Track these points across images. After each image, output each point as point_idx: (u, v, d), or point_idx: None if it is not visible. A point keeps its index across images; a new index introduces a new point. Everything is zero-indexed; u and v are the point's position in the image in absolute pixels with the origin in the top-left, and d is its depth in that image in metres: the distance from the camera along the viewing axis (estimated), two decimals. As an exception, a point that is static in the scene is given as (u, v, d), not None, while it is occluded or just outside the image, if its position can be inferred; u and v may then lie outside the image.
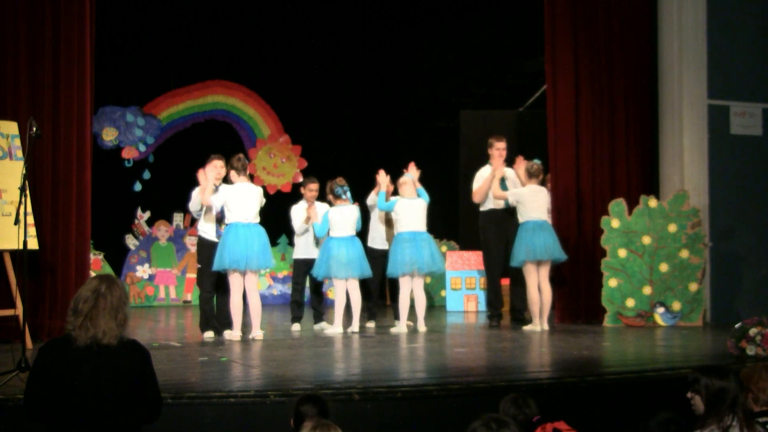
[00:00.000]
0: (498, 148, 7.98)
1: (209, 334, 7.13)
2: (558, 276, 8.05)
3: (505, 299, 8.49)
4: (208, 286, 7.17)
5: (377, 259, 7.88)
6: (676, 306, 7.98)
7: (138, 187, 12.02)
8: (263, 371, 5.25)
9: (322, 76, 12.59)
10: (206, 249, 7.12)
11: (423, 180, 7.79)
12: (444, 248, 11.38)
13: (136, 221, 12.02)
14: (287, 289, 12.43)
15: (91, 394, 3.05)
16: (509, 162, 8.10)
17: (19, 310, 5.80)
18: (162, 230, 12.11)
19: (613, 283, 8.00)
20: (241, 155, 7.08)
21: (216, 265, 6.78)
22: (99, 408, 3.06)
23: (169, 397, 3.94)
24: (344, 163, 11.67)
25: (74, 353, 3.07)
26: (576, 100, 8.46)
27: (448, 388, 4.46)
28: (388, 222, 8.06)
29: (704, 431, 3.30)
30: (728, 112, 8.58)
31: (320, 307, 8.26)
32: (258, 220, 6.96)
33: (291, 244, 12.39)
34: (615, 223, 8.03)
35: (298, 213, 8.00)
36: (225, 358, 5.78)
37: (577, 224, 8.36)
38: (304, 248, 8.05)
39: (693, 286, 8.00)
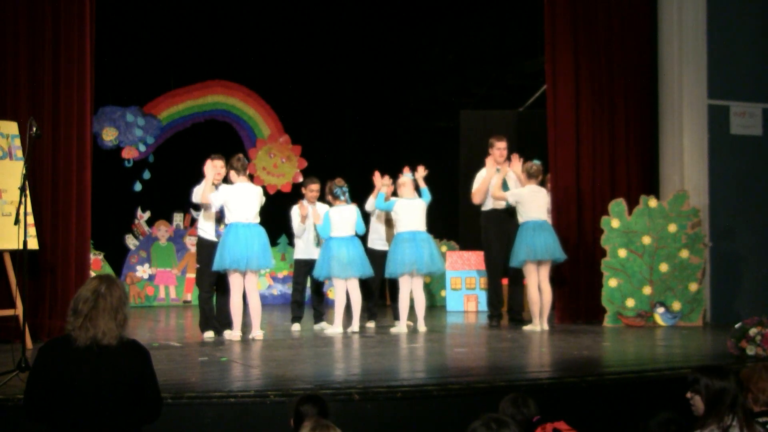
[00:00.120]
0: (498, 148, 7.99)
1: (209, 334, 7.13)
2: (558, 276, 8.05)
3: (504, 299, 8.49)
4: (207, 286, 7.17)
5: (377, 259, 7.88)
6: (676, 306, 7.98)
7: (138, 187, 12.02)
8: (263, 371, 5.25)
9: (322, 76, 12.59)
10: (206, 249, 7.12)
11: (424, 180, 7.78)
12: (444, 248, 11.38)
13: (136, 221, 12.02)
14: (287, 289, 12.43)
15: (91, 394, 3.05)
16: (507, 161, 8.11)
17: (19, 310, 5.81)
18: (162, 230, 12.11)
19: (613, 283, 8.00)
20: (241, 155, 7.08)
21: (216, 265, 6.78)
22: (99, 408, 3.06)
23: (169, 397, 3.94)
24: (344, 163, 11.68)
25: (74, 353, 3.07)
26: (576, 100, 8.46)
27: (448, 388, 4.46)
28: (388, 222, 8.06)
29: (704, 431, 3.30)
30: (728, 112, 8.58)
31: (320, 307, 8.26)
32: (258, 220, 6.96)
33: (291, 244, 12.40)
34: (615, 223, 8.03)
35: (297, 214, 8.00)
36: (225, 358, 5.78)
37: (577, 224, 8.36)
38: (304, 248, 8.05)
39: (693, 286, 8.00)
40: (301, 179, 12.54)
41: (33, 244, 6.21)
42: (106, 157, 11.45)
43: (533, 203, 7.56)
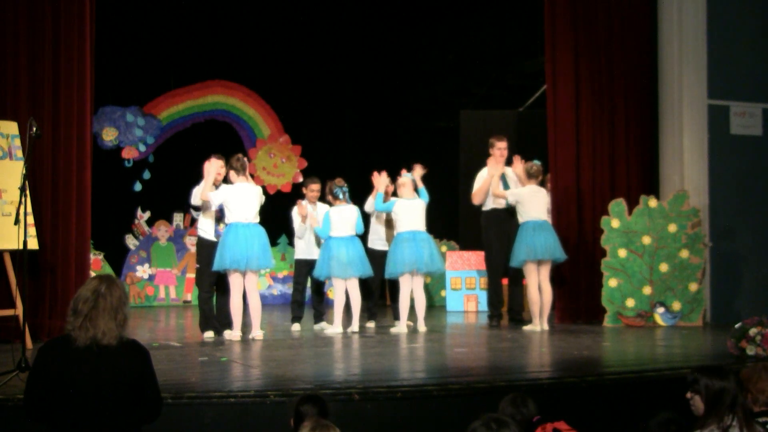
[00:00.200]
0: (499, 148, 7.99)
1: (209, 334, 7.13)
2: (558, 276, 8.05)
3: (504, 299, 8.49)
4: (207, 286, 7.17)
5: (377, 259, 7.88)
6: (676, 306, 7.98)
7: (138, 187, 12.03)
8: (263, 371, 5.25)
9: (322, 76, 12.59)
10: (205, 249, 7.12)
11: (423, 180, 7.78)
12: (444, 248, 11.38)
13: (136, 221, 12.03)
14: (287, 289, 12.44)
15: (91, 394, 3.05)
16: (508, 162, 8.11)
17: (19, 310, 5.80)
18: (162, 230, 12.11)
19: (613, 283, 8.00)
20: (240, 155, 7.08)
21: (216, 265, 6.78)
22: (99, 408, 3.06)
23: (169, 397, 3.94)
24: (344, 163, 11.68)
25: (74, 353, 3.07)
26: (576, 100, 8.46)
27: (448, 388, 4.46)
28: (388, 222, 8.06)
29: (704, 431, 3.30)
30: (728, 112, 8.58)
31: (320, 307, 8.26)
32: (258, 220, 6.96)
33: (291, 244, 12.41)
34: (615, 223, 8.03)
35: (297, 215, 8.00)
36: (225, 358, 5.78)
37: (577, 224, 8.36)
38: (305, 248, 8.05)
39: (693, 286, 8.00)
40: (301, 179, 12.54)
41: (33, 244, 6.21)
42: (106, 157, 11.45)
43: (533, 203, 7.57)
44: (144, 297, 11.90)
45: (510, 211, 7.83)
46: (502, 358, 5.89)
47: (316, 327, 8.01)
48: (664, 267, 7.99)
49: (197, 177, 7.21)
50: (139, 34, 11.24)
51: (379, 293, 8.79)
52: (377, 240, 8.23)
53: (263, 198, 7.08)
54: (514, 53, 11.69)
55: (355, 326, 7.48)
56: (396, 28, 11.83)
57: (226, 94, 12.56)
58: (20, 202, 5.00)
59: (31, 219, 5.99)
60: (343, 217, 7.47)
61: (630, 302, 7.98)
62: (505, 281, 8.34)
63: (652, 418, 3.37)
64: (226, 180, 7.07)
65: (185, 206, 11.38)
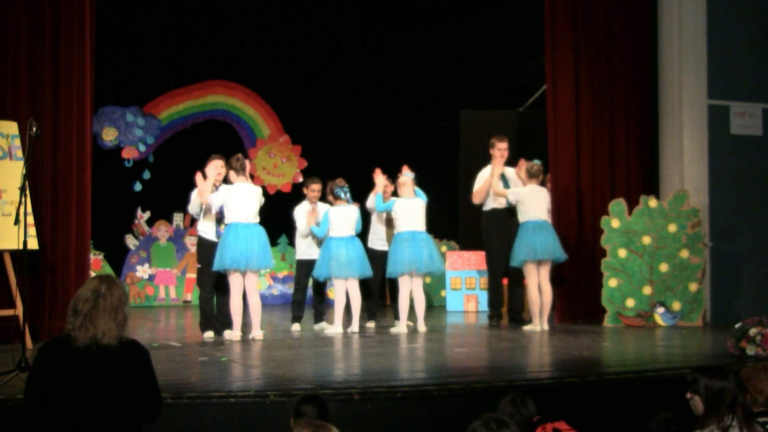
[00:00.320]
0: (500, 148, 7.98)
1: (209, 334, 7.13)
2: (558, 276, 8.05)
3: (504, 299, 8.49)
4: (208, 286, 7.17)
5: (377, 259, 7.88)
6: (676, 306, 7.98)
7: (138, 187, 12.03)
8: (263, 371, 5.25)
9: (322, 76, 12.59)
10: (206, 249, 7.12)
11: (423, 180, 7.79)
12: (444, 248, 11.38)
13: (136, 221, 12.03)
14: (287, 289, 12.44)
15: (91, 394, 3.05)
16: (512, 164, 8.11)
17: (19, 310, 5.80)
18: (162, 230, 12.11)
19: (613, 283, 8.00)
20: (240, 155, 7.08)
21: (216, 265, 6.78)
22: (99, 408, 3.06)
23: (169, 397, 3.94)
24: (344, 163, 11.68)
25: (74, 353, 3.07)
26: (576, 100, 8.46)
27: (448, 388, 4.46)
28: (388, 222, 8.06)
29: (704, 431, 3.30)
30: (728, 112, 8.58)
31: (321, 307, 8.26)
32: (258, 220, 6.96)
33: (291, 244, 12.44)
34: (615, 223, 8.03)
35: (301, 214, 8.01)
36: (225, 358, 5.78)
37: (577, 224, 8.36)
38: (306, 249, 8.04)
39: (693, 286, 8.00)
40: (301, 179, 12.54)
41: (33, 244, 6.21)
42: (106, 157, 11.45)
43: (534, 203, 7.56)
44: (144, 297, 11.90)
45: (510, 211, 7.83)
46: (502, 358, 5.89)
47: (316, 327, 8.01)
48: (664, 267, 7.99)
49: (195, 180, 7.20)
50: (139, 34, 11.25)
51: (379, 293, 8.78)
52: (377, 240, 8.23)
53: (263, 199, 7.08)
54: (514, 53, 11.69)
55: (355, 326, 7.48)
56: (396, 28, 11.83)
57: (226, 94, 12.56)
58: (20, 202, 5.00)
59: (31, 219, 5.99)
60: (344, 217, 7.47)
61: (630, 302, 7.98)
62: (505, 281, 8.34)
63: (652, 418, 3.37)
64: (226, 180, 7.07)
65: (185, 206, 11.40)
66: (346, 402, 4.18)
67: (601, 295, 8.03)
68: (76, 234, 6.87)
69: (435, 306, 11.06)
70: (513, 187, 7.93)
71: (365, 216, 8.00)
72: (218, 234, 7.08)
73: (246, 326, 7.01)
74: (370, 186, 7.99)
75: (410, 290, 7.56)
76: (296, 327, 7.94)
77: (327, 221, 7.49)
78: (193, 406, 4.10)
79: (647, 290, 7.99)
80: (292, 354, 6.10)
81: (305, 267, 8.01)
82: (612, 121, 8.59)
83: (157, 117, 12.13)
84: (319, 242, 7.84)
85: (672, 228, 8.02)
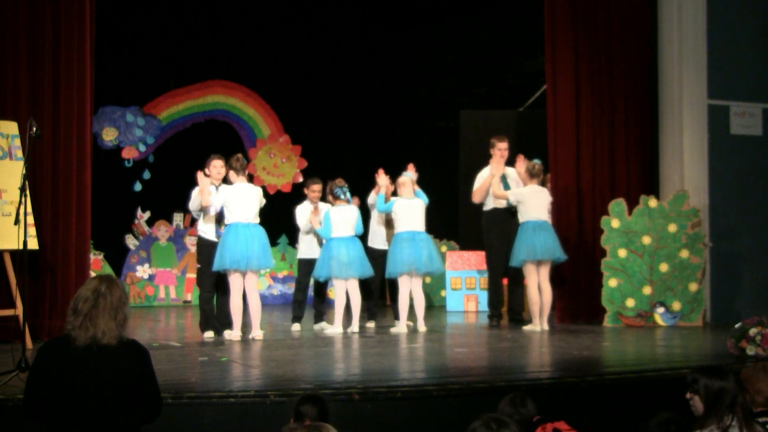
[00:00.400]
0: (500, 149, 7.98)
1: (209, 334, 7.13)
2: (558, 276, 8.05)
3: (504, 299, 8.49)
4: (208, 286, 7.17)
5: (377, 259, 7.88)
6: (676, 306, 7.98)
7: (138, 187, 12.03)
8: (263, 371, 5.25)
9: (322, 76, 12.59)
10: (206, 249, 7.12)
11: (423, 180, 7.78)
12: (444, 248, 11.38)
13: (136, 221, 12.03)
14: (287, 289, 12.44)
15: (91, 394, 3.04)
16: (510, 162, 8.11)
17: (19, 310, 5.80)
18: (162, 230, 12.11)
19: (613, 283, 8.00)
20: (240, 155, 7.08)
21: (216, 265, 6.78)
22: (99, 408, 3.05)
23: (169, 397, 3.94)
24: (344, 163, 11.69)
25: (74, 353, 3.07)
26: (576, 100, 8.46)
27: (448, 388, 4.46)
28: (388, 222, 8.06)
29: (704, 431, 3.30)
30: (728, 112, 8.58)
31: (321, 307, 8.26)
32: (258, 220, 6.96)
33: (291, 244, 12.46)
34: (615, 223, 8.03)
35: (302, 213, 8.01)
36: (225, 358, 5.78)
37: (577, 224, 8.36)
38: (308, 248, 8.04)
39: (693, 286, 8.00)
40: (301, 179, 12.55)
41: (33, 244, 6.21)
42: (106, 157, 11.45)
43: (534, 203, 7.56)
44: (144, 297, 11.90)
45: (511, 211, 7.82)
46: (502, 358, 5.89)
47: (316, 327, 8.01)
48: (664, 267, 7.99)
49: (196, 178, 7.20)
50: (139, 34, 11.25)
51: (379, 293, 8.78)
52: (377, 240, 8.23)
53: (263, 200, 7.08)
54: (514, 53, 11.69)
55: (355, 326, 7.48)
56: (396, 28, 11.83)
57: (226, 94, 12.56)
58: (20, 202, 5.00)
59: (31, 219, 5.99)
60: (344, 218, 7.47)
61: (630, 302, 7.98)
62: (505, 281, 8.34)
63: (652, 418, 3.37)
64: (226, 180, 7.07)
65: (185, 206, 11.42)
66: (346, 402, 4.18)
67: (601, 295, 8.03)
68: (76, 234, 6.87)
69: (435, 306, 11.06)
70: (514, 187, 7.93)
71: (365, 215, 8.00)
72: (218, 234, 7.09)
73: (246, 326, 7.01)
74: (370, 186, 7.99)
75: (410, 290, 7.55)
76: (296, 327, 7.94)
77: (329, 221, 7.48)
78: (193, 406, 4.10)
79: (647, 290, 7.99)
80: (292, 354, 6.10)
81: (306, 266, 8.01)
82: (612, 121, 8.59)
83: (157, 117, 12.14)
84: (321, 242, 7.84)
85: (672, 228, 8.02)
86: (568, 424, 3.47)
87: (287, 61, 12.25)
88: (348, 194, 7.59)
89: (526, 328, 7.58)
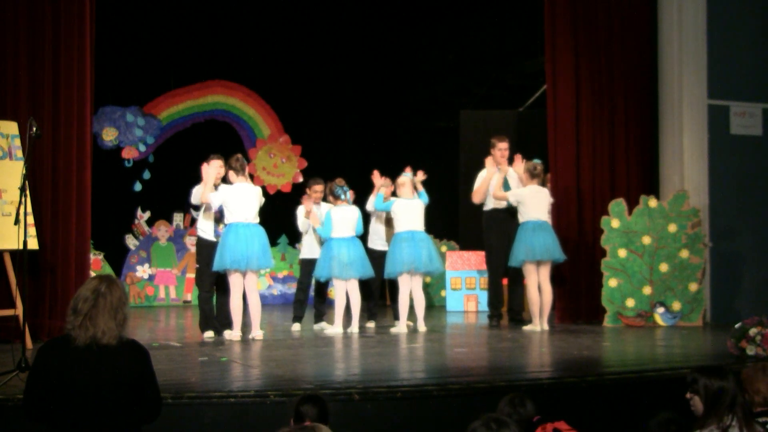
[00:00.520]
0: (500, 149, 7.99)
1: (209, 334, 7.13)
2: (558, 276, 8.05)
3: (504, 299, 8.49)
4: (207, 286, 7.17)
5: (377, 259, 7.88)
6: (676, 306, 7.98)
7: (138, 187, 12.03)
8: (263, 371, 5.25)
9: (322, 77, 12.59)
10: (205, 249, 7.12)
11: (423, 180, 7.77)
12: (444, 248, 11.38)
13: (136, 221, 12.03)
14: (287, 289, 12.45)
15: (91, 394, 3.05)
16: (509, 162, 8.10)
17: (19, 310, 5.80)
18: (162, 230, 12.11)
19: (613, 283, 8.00)
20: (239, 155, 7.07)
21: (216, 265, 6.78)
22: (99, 408, 3.06)
23: (169, 397, 3.94)
24: (344, 163, 11.68)
25: (74, 353, 3.07)
26: (576, 100, 8.46)
27: (448, 388, 4.46)
28: (388, 222, 8.06)
29: (704, 431, 3.30)
30: (728, 112, 8.58)
31: (321, 307, 8.26)
32: (258, 220, 6.96)
33: (291, 244, 12.47)
34: (615, 223, 8.03)
35: (302, 213, 8.01)
36: (225, 358, 5.78)
37: (577, 224, 8.36)
38: (310, 248, 8.04)
39: (693, 286, 8.00)
40: (301, 179, 12.55)
41: (33, 244, 6.20)
42: (106, 157, 11.45)
43: (534, 203, 7.56)
44: (144, 297, 11.90)
45: (511, 212, 7.82)
46: (502, 358, 5.89)
47: (316, 327, 8.01)
48: (664, 267, 7.99)
49: (197, 177, 7.21)
50: (139, 34, 11.24)
51: (379, 293, 8.78)
52: (377, 240, 8.23)
53: (263, 199, 7.08)
54: (514, 53, 11.69)
55: (354, 327, 7.48)
56: (396, 28, 11.83)
57: (226, 94, 12.56)
58: (20, 202, 5.00)
59: (31, 219, 5.99)
60: (345, 218, 7.47)
61: (630, 302, 7.98)
62: (505, 281, 8.34)
63: (652, 418, 3.37)
64: (225, 180, 7.07)
65: (185, 206, 11.42)
66: (346, 402, 4.18)
67: (601, 295, 8.03)
68: (76, 234, 6.87)
69: (435, 306, 11.06)
70: (514, 188, 7.93)
71: (365, 216, 8.00)
72: (217, 234, 7.08)
73: (246, 326, 7.01)
74: (369, 186, 7.99)
75: (410, 290, 7.55)
76: (296, 327, 7.94)
77: (329, 221, 7.48)
78: (193, 406, 4.10)
79: (647, 290, 7.99)
80: (292, 354, 6.10)
81: (308, 266, 8.00)
82: (612, 121, 8.59)
83: (157, 117, 12.13)
84: (321, 242, 7.84)
85: (672, 228, 8.02)
86: (568, 424, 3.47)
87: (287, 62, 12.24)
88: (348, 194, 7.58)
89: (526, 328, 7.58)
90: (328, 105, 12.85)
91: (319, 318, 8.16)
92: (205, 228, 7.19)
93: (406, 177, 7.66)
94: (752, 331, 5.56)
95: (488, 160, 7.99)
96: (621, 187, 8.51)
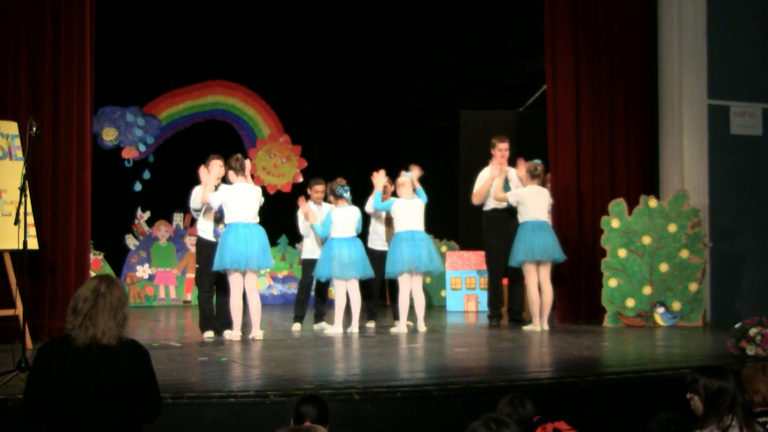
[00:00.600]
0: (500, 149, 7.98)
1: (209, 334, 7.13)
2: (558, 276, 8.04)
3: (504, 299, 8.49)
4: (206, 286, 7.17)
5: (377, 259, 7.88)
6: (676, 306, 7.98)
7: (138, 187, 12.03)
8: (263, 371, 5.25)
9: (322, 77, 12.59)
10: (205, 249, 7.12)
11: (423, 180, 7.78)
12: (444, 248, 11.38)
13: (136, 221, 12.03)
14: (287, 289, 12.45)
15: (91, 394, 3.05)
16: (511, 163, 8.10)
17: (19, 310, 5.81)
18: (162, 230, 12.11)
19: (613, 283, 8.00)
20: (239, 155, 7.07)
21: (216, 265, 6.78)
22: (98, 408, 3.06)
23: (169, 397, 3.94)
24: (344, 163, 11.68)
25: (73, 353, 3.07)
26: (576, 100, 8.46)
27: (448, 388, 4.46)
28: (388, 222, 8.06)
29: (704, 431, 3.30)
30: (728, 112, 8.58)
31: (322, 307, 8.26)
32: (257, 220, 6.96)
33: (291, 244, 12.47)
34: (615, 223, 8.03)
35: (302, 216, 8.00)
36: (225, 358, 5.78)
37: (577, 224, 8.36)
38: (312, 248, 8.04)
39: (693, 286, 8.00)
40: (301, 179, 12.56)
41: (33, 244, 6.21)
42: (106, 157, 11.45)
43: (534, 204, 7.56)
44: (144, 297, 11.90)
45: (511, 212, 7.82)
46: (502, 358, 5.89)
47: (316, 327, 8.01)
48: (664, 267, 7.99)
49: (197, 177, 7.21)
50: (139, 34, 11.24)
51: (379, 293, 8.78)
52: (377, 240, 8.23)
53: (263, 199, 7.08)
54: (514, 53, 11.69)
55: (354, 327, 7.48)
56: (396, 28, 11.83)
57: (226, 94, 12.56)
58: (20, 202, 5.00)
59: (31, 219, 5.99)
60: (345, 218, 7.47)
61: (630, 302, 7.98)
62: (505, 281, 8.34)
63: (652, 418, 3.37)
64: (225, 180, 7.07)
65: (185, 206, 11.43)
66: (346, 402, 4.18)
67: (601, 295, 8.03)
68: (76, 234, 6.87)
69: (435, 306, 11.06)
70: (514, 188, 7.93)
71: (365, 216, 8.00)
72: (216, 234, 7.09)
73: (246, 326, 7.01)
74: (369, 186, 7.99)
75: (410, 290, 7.55)
76: (297, 327, 7.94)
77: (329, 221, 7.48)
78: (193, 406, 4.10)
79: (647, 290, 7.99)
80: (292, 354, 6.10)
81: (310, 267, 8.00)
82: (612, 121, 8.59)
83: (157, 117, 12.13)
84: (322, 242, 7.83)
85: (672, 228, 8.02)
86: (568, 424, 3.47)
87: (287, 62, 12.24)
88: (349, 193, 7.58)
89: (526, 328, 7.59)
90: (328, 105, 12.85)
91: (319, 318, 8.16)
92: (205, 228, 7.20)
93: (406, 177, 7.66)
94: (752, 331, 5.57)
95: (494, 162, 7.96)
96: (621, 187, 8.51)
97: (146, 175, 12.06)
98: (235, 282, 6.81)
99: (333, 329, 7.44)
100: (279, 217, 10.26)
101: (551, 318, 7.75)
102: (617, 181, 8.56)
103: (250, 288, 6.90)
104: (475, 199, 8.16)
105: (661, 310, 7.95)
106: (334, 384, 4.53)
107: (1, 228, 6.07)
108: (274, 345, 6.62)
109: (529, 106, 12.27)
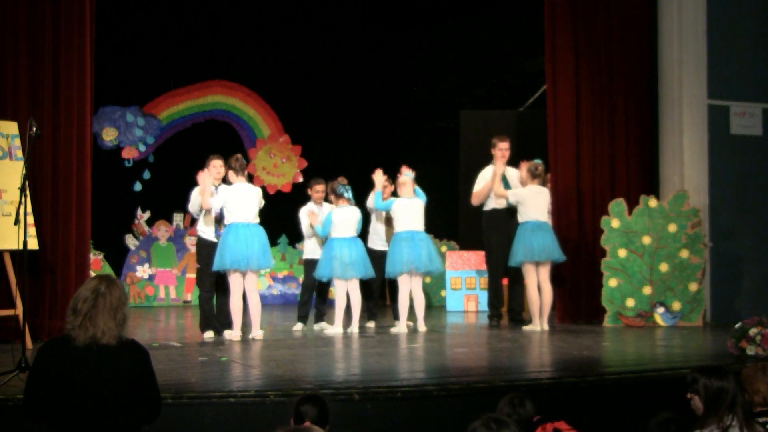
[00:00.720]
0: (501, 148, 7.98)
1: (209, 334, 7.14)
2: (558, 276, 8.04)
3: (504, 299, 8.49)
4: (207, 286, 7.18)
5: (377, 259, 7.88)
6: (676, 306, 7.98)
7: (138, 187, 12.03)
8: (263, 371, 5.25)
9: (322, 77, 12.59)
10: (205, 249, 7.12)
11: (423, 180, 7.78)
12: (444, 248, 11.38)
13: (136, 221, 12.03)
14: (287, 289, 12.45)
15: (91, 394, 3.05)
16: (511, 164, 8.09)
17: (19, 310, 5.81)
18: (162, 230, 12.11)
19: (613, 283, 8.00)
20: (239, 155, 7.08)
21: (216, 265, 6.79)
22: (98, 408, 3.06)
23: (169, 397, 3.94)
24: (344, 163, 11.67)
25: (73, 353, 3.07)
26: (576, 100, 8.46)
27: (448, 388, 4.46)
28: (388, 222, 8.06)
29: (704, 431, 3.30)
30: (728, 112, 8.58)
31: (322, 307, 8.26)
32: (258, 220, 6.96)
33: (291, 244, 12.47)
34: (615, 223, 8.03)
35: (304, 215, 8.00)
36: (225, 358, 5.78)
37: (577, 224, 8.36)
38: (314, 249, 8.04)
39: (693, 286, 8.00)
40: (301, 179, 12.56)
41: (33, 244, 6.21)
42: (106, 157, 11.46)
43: (534, 204, 7.56)
44: (144, 297, 11.90)
45: (511, 212, 7.82)
46: (502, 358, 5.89)
47: (316, 327, 8.01)
48: (664, 267, 7.99)
49: (196, 180, 7.20)
50: (139, 34, 11.25)
51: (379, 293, 8.78)
52: (377, 240, 8.23)
53: (263, 201, 7.08)
54: (514, 53, 11.69)
55: (354, 327, 7.48)
56: (396, 28, 11.83)
57: (226, 94, 12.57)
58: (20, 202, 5.00)
59: (31, 219, 5.99)
60: (346, 218, 7.47)
61: (630, 302, 7.98)
62: (505, 281, 8.34)
63: (652, 418, 3.37)
64: (225, 180, 7.07)
65: (185, 206, 11.42)
66: (346, 402, 4.18)
67: (601, 295, 8.03)
68: (76, 234, 6.87)
69: (435, 306, 11.06)
70: (514, 186, 7.93)
71: (365, 216, 8.00)
72: (217, 234, 7.09)
73: (246, 326, 7.01)
74: (369, 186, 7.99)
75: (410, 290, 7.55)
76: (298, 327, 7.94)
77: (329, 222, 7.48)
78: (193, 406, 4.10)
79: (647, 290, 7.99)
80: (292, 354, 6.10)
81: (312, 267, 7.99)
82: (612, 121, 8.59)
83: (157, 117, 12.14)
84: (323, 242, 7.83)
85: (672, 228, 8.02)
86: (568, 424, 3.47)
87: (287, 62, 12.25)
88: (350, 193, 7.58)
89: (526, 328, 7.59)
90: (328, 105, 12.85)
91: (319, 318, 8.16)
92: (205, 228, 7.20)
93: (407, 176, 7.66)
94: (752, 331, 5.56)
95: (497, 162, 7.94)
96: (621, 187, 8.51)
97: (146, 175, 12.07)
98: (235, 282, 6.81)
99: (333, 329, 7.44)
100: (279, 217, 10.26)
101: (551, 318, 7.75)
102: (617, 181, 8.56)
103: (250, 288, 6.90)
104: (474, 200, 8.16)
105: (661, 310, 7.95)
106: (334, 384, 4.53)
107: (1, 228, 6.07)
108: (274, 345, 6.62)
109: (529, 106, 12.27)
